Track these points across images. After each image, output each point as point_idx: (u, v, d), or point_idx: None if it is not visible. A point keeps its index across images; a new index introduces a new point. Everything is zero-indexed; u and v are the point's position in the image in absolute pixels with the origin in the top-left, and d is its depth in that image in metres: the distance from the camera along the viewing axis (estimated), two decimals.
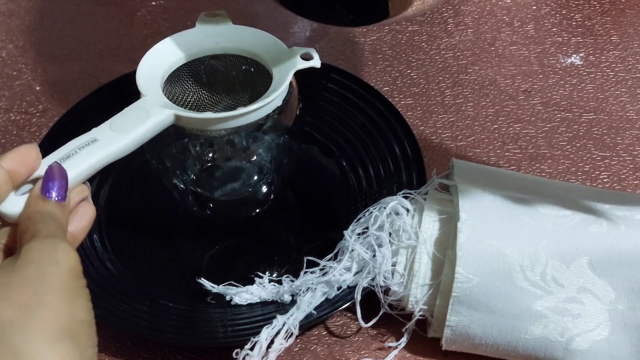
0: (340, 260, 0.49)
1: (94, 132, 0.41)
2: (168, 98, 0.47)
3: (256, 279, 0.50)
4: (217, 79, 0.51)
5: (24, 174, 0.38)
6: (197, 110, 0.50)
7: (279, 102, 0.47)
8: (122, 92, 0.61)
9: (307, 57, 0.48)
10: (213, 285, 0.50)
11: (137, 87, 0.46)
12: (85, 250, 0.53)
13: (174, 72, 0.50)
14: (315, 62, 0.48)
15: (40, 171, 0.38)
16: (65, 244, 0.35)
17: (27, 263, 0.33)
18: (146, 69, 0.47)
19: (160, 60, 0.49)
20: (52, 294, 0.33)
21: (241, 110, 0.45)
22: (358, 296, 0.48)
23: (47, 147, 0.57)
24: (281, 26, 0.74)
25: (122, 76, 0.63)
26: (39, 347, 0.31)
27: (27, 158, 0.38)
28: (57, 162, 0.39)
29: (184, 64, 0.50)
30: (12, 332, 0.31)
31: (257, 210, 0.57)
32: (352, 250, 0.49)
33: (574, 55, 0.70)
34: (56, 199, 0.37)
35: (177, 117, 0.44)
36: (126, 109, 0.44)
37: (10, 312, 0.32)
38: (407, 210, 0.49)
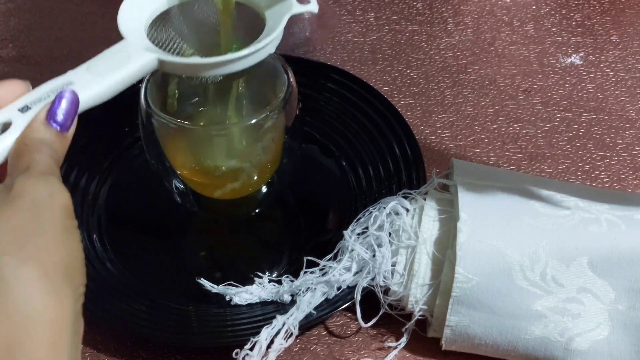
0: (340, 260, 0.49)
1: (69, 75, 0.38)
2: (153, 44, 0.44)
3: (256, 279, 0.51)
4: (207, 25, 0.48)
5: (8, 100, 0.36)
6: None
7: (271, 49, 0.44)
8: (122, 92, 0.62)
9: (303, 0, 0.45)
10: (213, 285, 0.50)
11: (119, 29, 0.42)
12: (85, 250, 0.53)
13: (159, 16, 0.46)
14: (313, 7, 0.45)
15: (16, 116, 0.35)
16: (59, 182, 0.33)
17: (21, 195, 0.32)
18: (129, 11, 0.44)
19: (145, 2, 0.45)
20: (47, 225, 0.31)
21: (230, 55, 0.42)
22: (358, 296, 0.48)
23: None
24: None
25: None
26: (30, 278, 0.30)
27: (18, 85, 0.37)
28: (72, 90, 0.37)
29: (171, 8, 0.47)
30: (3, 252, 0.30)
31: (257, 210, 0.57)
32: (352, 250, 0.49)
33: (574, 55, 0.70)
34: (58, 128, 0.36)
35: (161, 62, 0.41)
36: (105, 51, 0.40)
37: (4, 233, 0.30)
38: (407, 210, 0.49)
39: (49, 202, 0.32)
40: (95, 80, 0.38)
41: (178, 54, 0.47)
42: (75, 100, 0.37)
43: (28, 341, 0.29)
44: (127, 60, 0.40)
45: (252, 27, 0.46)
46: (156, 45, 0.44)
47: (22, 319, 0.29)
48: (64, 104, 0.36)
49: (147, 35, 0.44)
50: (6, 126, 0.35)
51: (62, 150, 0.36)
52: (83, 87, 0.38)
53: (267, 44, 0.43)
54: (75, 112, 0.37)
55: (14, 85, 0.37)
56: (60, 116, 0.36)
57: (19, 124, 0.35)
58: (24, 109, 0.36)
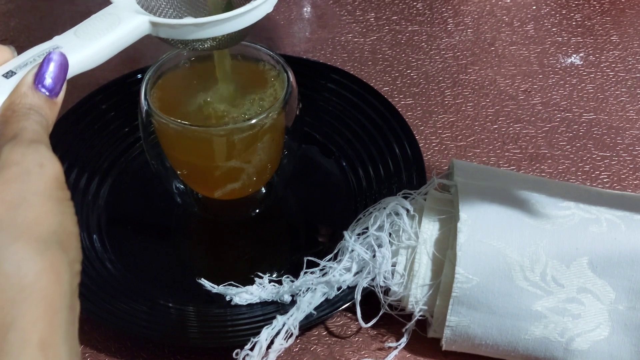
0: (340, 260, 0.49)
1: (57, 40, 0.37)
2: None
3: (256, 279, 0.50)
4: None
5: None
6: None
7: (269, 8, 0.42)
8: (122, 92, 0.62)
9: None
10: (213, 285, 0.50)
11: None
12: (85, 251, 0.53)
13: None
14: None
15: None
16: (49, 151, 0.31)
17: (8, 165, 0.30)
18: None
19: None
20: (39, 197, 0.29)
21: (227, 14, 0.40)
22: (358, 296, 0.48)
23: None
24: (281, 26, 0.74)
25: (122, 76, 0.63)
26: (23, 251, 0.28)
27: (3, 50, 0.35)
28: (61, 51, 0.34)
29: None
30: None
31: (257, 210, 0.57)
32: (352, 250, 0.49)
33: (574, 55, 0.70)
34: (47, 93, 0.33)
35: (154, 25, 0.40)
36: (94, 16, 0.39)
37: None
38: (407, 210, 0.49)
39: (39, 172, 0.30)
40: (85, 44, 0.37)
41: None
42: (64, 63, 0.35)
43: (21, 318, 0.27)
44: (117, 23, 0.38)
45: None
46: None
47: (14, 295, 0.27)
48: (52, 67, 0.34)
49: (137, 2, 0.42)
50: None
51: (51, 116, 0.34)
52: (72, 50, 0.36)
53: (263, 2, 0.41)
54: (65, 75, 0.35)
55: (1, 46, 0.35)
56: (48, 80, 0.34)
57: (4, 89, 0.34)
58: (9, 74, 0.34)
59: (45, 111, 0.33)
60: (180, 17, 0.46)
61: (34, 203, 0.29)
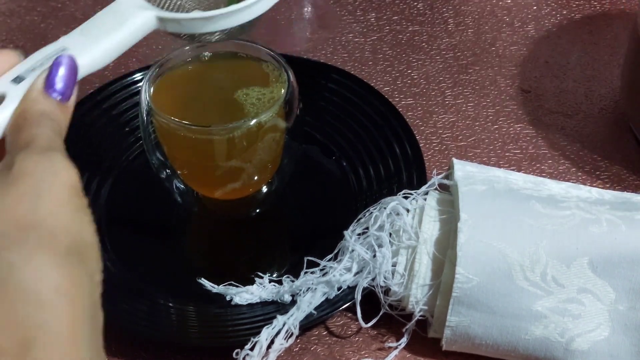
0: (340, 260, 0.49)
1: (63, 41, 0.36)
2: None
3: (256, 279, 0.51)
4: None
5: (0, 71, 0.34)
6: None
7: None
8: (123, 92, 0.62)
9: None
10: (213, 285, 0.50)
11: None
12: None
13: None
14: None
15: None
16: (64, 158, 0.31)
17: (22, 175, 0.29)
18: None
19: None
20: (55, 208, 0.28)
21: (234, 7, 0.40)
22: (358, 296, 0.48)
23: None
24: (282, 26, 0.74)
25: (122, 75, 0.63)
26: (41, 266, 0.27)
27: (8, 55, 0.34)
28: (70, 54, 0.33)
29: None
30: (6, 248, 0.27)
31: (258, 210, 0.57)
32: (353, 250, 0.49)
33: (575, 55, 0.70)
34: (59, 98, 0.33)
35: (161, 20, 0.39)
36: (99, 14, 0.38)
37: (4, 226, 0.27)
38: (407, 210, 0.49)
39: (54, 181, 0.29)
40: (92, 44, 0.36)
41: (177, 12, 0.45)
42: (73, 66, 0.34)
43: (42, 335, 0.26)
44: (124, 21, 0.37)
45: None
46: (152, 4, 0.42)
47: (34, 312, 0.26)
48: (62, 71, 0.33)
49: None
50: None
51: (64, 121, 0.33)
52: (80, 51, 0.35)
53: None
54: (75, 78, 0.34)
55: (4, 56, 0.35)
56: (59, 84, 0.33)
57: (14, 96, 0.33)
58: (18, 80, 0.34)
59: (58, 116, 0.33)
60: (188, 7, 0.46)
61: (49, 215, 0.28)
